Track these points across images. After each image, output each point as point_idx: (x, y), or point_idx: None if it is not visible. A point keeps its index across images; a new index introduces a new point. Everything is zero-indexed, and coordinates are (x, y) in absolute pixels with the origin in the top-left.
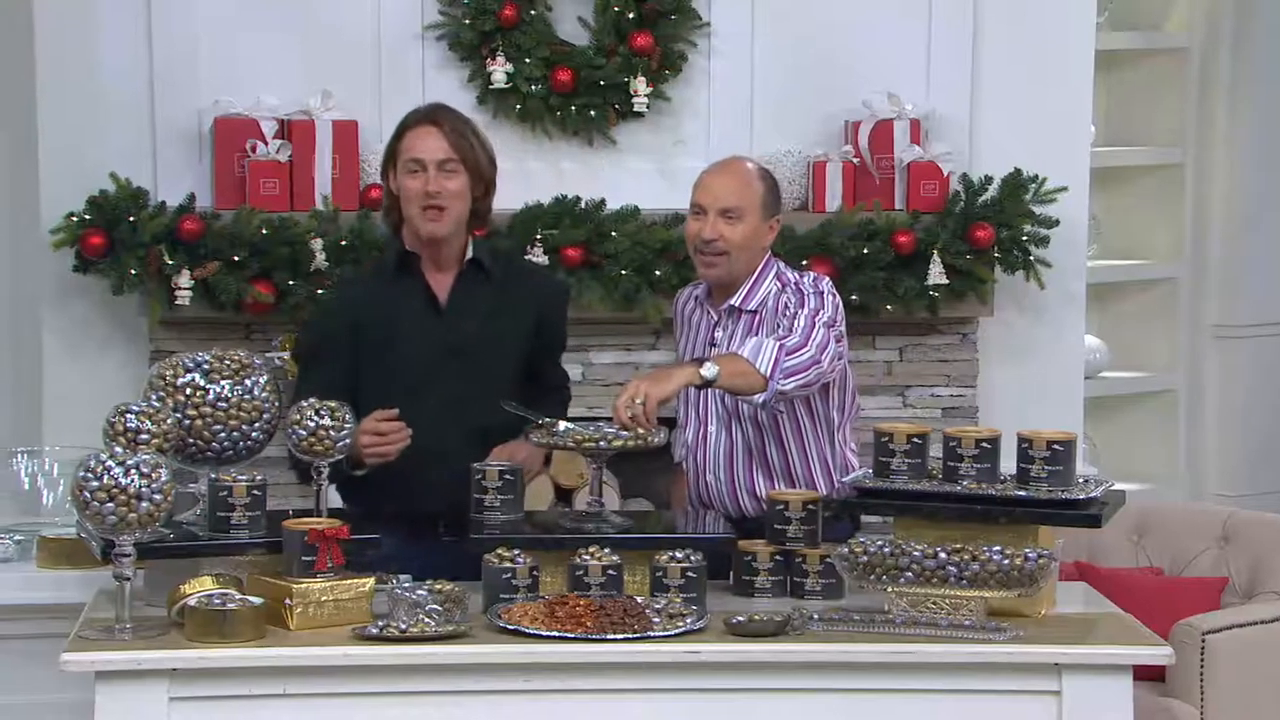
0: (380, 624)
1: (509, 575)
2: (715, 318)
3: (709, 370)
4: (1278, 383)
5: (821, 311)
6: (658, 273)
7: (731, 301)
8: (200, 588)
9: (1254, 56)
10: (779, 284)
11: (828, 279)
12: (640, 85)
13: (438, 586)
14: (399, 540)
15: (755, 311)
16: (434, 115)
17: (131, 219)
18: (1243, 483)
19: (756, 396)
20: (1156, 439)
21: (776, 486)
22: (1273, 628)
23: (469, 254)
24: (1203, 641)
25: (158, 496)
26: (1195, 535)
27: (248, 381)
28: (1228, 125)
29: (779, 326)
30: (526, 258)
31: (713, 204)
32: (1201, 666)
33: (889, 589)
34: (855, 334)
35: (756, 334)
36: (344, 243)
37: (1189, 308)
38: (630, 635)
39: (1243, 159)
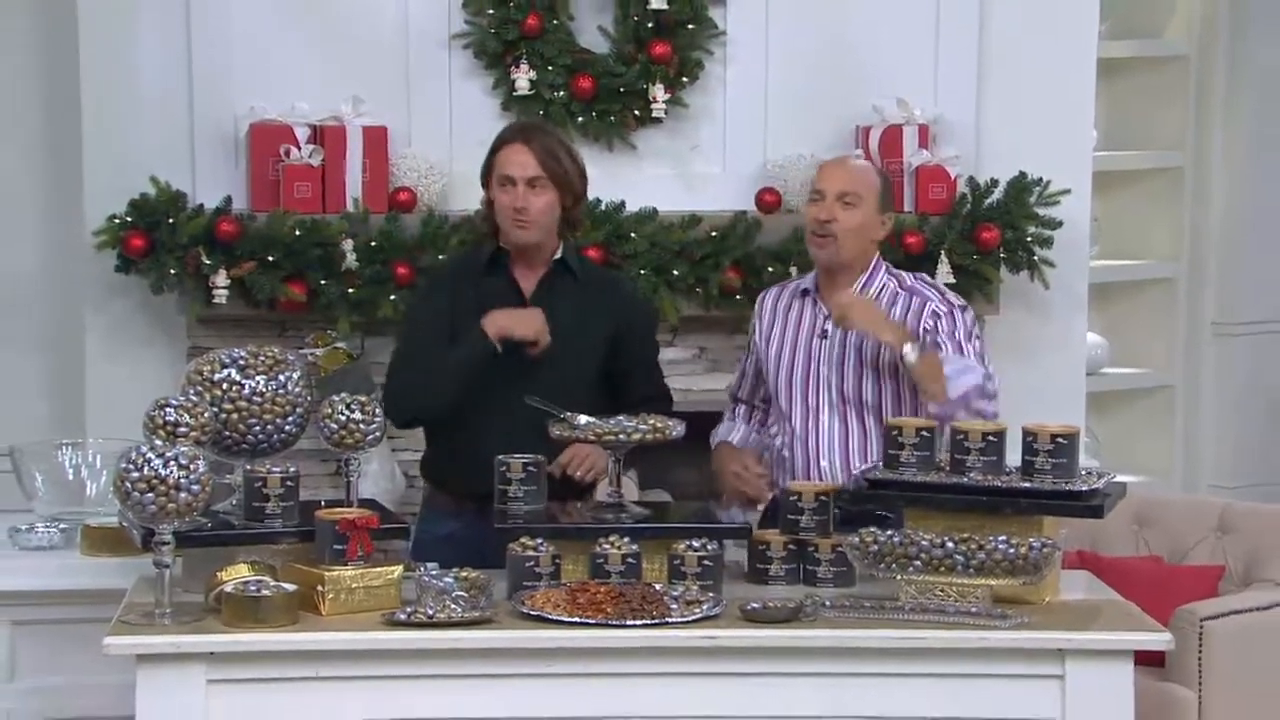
0: (408, 610)
1: (532, 563)
2: (827, 310)
3: (911, 352)
4: (1272, 379)
5: (974, 334)
6: (675, 272)
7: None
8: (236, 575)
9: (1249, 64)
10: (894, 281)
11: (956, 296)
12: (658, 92)
13: (463, 574)
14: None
15: (875, 301)
16: (526, 134)
17: (171, 221)
18: (1238, 475)
19: (931, 406)
20: (1155, 433)
21: None
22: (1269, 614)
23: (558, 254)
24: (1201, 628)
25: (195, 487)
26: (1193, 525)
27: (281, 377)
28: (1224, 130)
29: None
30: (619, 271)
31: (831, 188)
32: (1200, 652)
33: (898, 577)
34: None
35: None
36: (373, 244)
37: (1187, 306)
38: (649, 621)
39: (1239, 163)
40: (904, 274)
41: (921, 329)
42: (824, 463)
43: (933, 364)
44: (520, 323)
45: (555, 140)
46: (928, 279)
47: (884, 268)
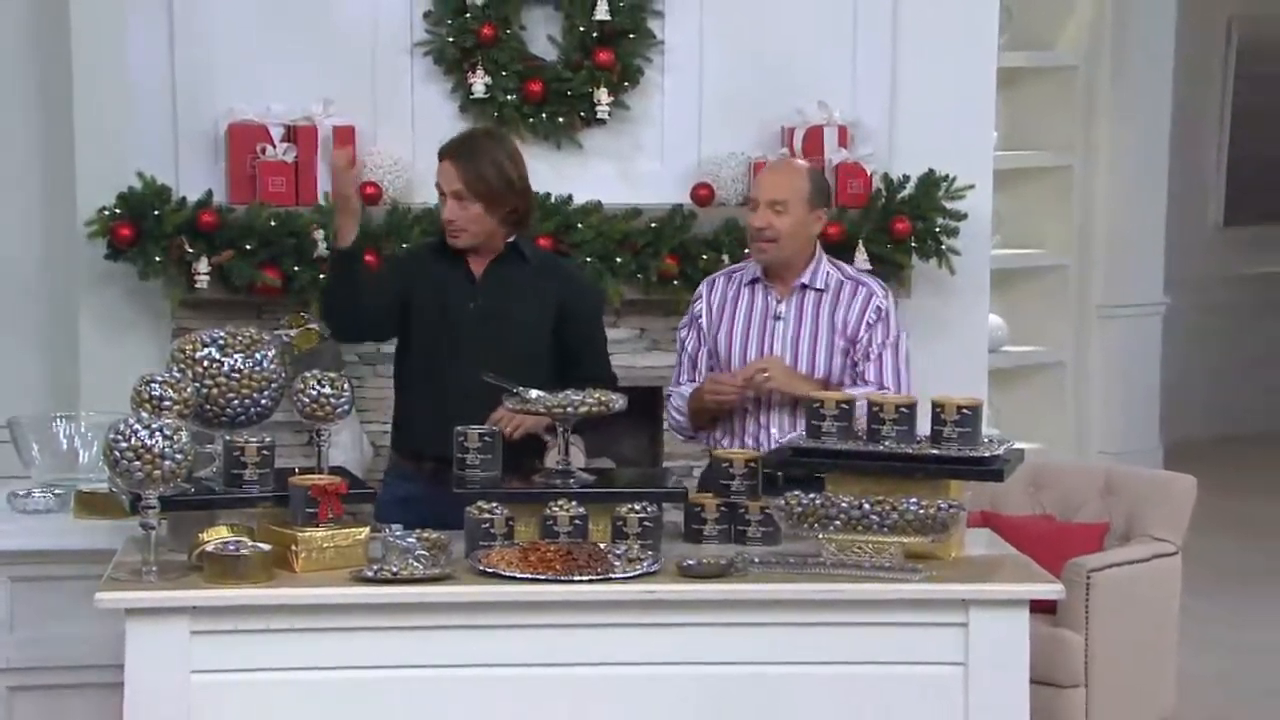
0: (375, 568)
1: (488, 525)
2: (779, 295)
3: None
4: (1152, 356)
5: (900, 341)
6: (618, 260)
7: (801, 280)
8: (217, 536)
9: (1132, 73)
10: (839, 271)
11: (882, 282)
12: (602, 96)
13: (425, 535)
14: (430, 480)
15: (822, 290)
16: (456, 152)
17: (156, 213)
18: (1122, 441)
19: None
20: (1049, 405)
21: None
22: (1147, 565)
23: (510, 240)
24: (1088, 579)
25: (179, 456)
26: (1082, 487)
27: (258, 355)
28: (1110, 133)
29: (863, 330)
30: (569, 259)
31: (762, 196)
32: (1087, 600)
33: (820, 536)
34: None
35: (825, 311)
36: None
37: (1077, 291)
38: (594, 577)
39: (1123, 162)
40: (843, 264)
41: (865, 323)
42: (774, 429)
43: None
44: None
45: (486, 158)
46: (876, 280)
47: (825, 257)
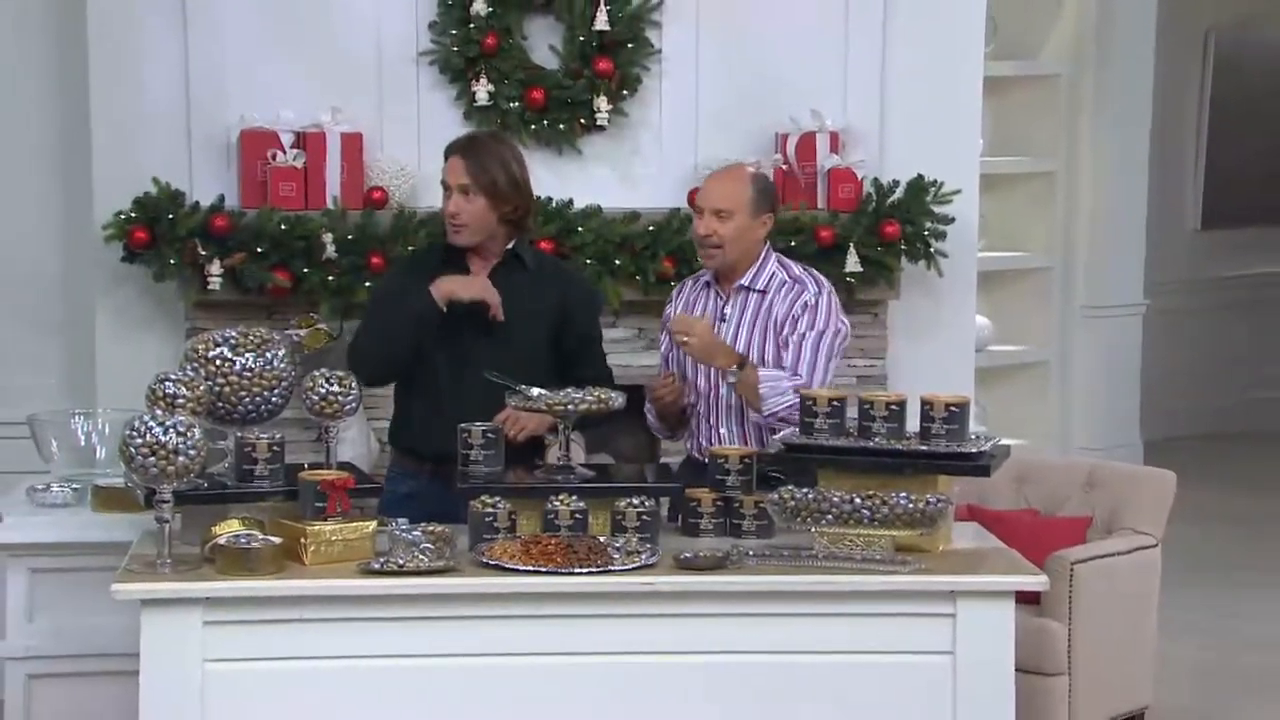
0: (381, 560)
1: (491, 519)
2: (725, 297)
3: (733, 375)
4: (1133, 355)
5: (825, 334)
6: (617, 262)
7: (741, 281)
8: (229, 529)
9: (1113, 82)
10: (784, 271)
11: (828, 283)
12: (602, 103)
13: (430, 528)
14: (431, 478)
15: (763, 291)
16: (463, 148)
17: (171, 217)
18: (1103, 438)
19: (753, 415)
20: (1034, 402)
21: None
22: (1128, 557)
23: (509, 247)
24: (1071, 570)
25: (192, 452)
26: (1065, 482)
27: (269, 354)
28: (1092, 139)
29: (788, 322)
30: (568, 261)
31: (707, 205)
32: (1070, 591)
33: (813, 529)
34: None
35: (765, 311)
36: (350, 237)
37: (1060, 292)
38: (594, 569)
39: (1105, 168)
40: (793, 264)
41: (791, 316)
42: (723, 430)
43: (750, 386)
44: (465, 286)
45: (492, 156)
46: (814, 272)
47: (773, 259)
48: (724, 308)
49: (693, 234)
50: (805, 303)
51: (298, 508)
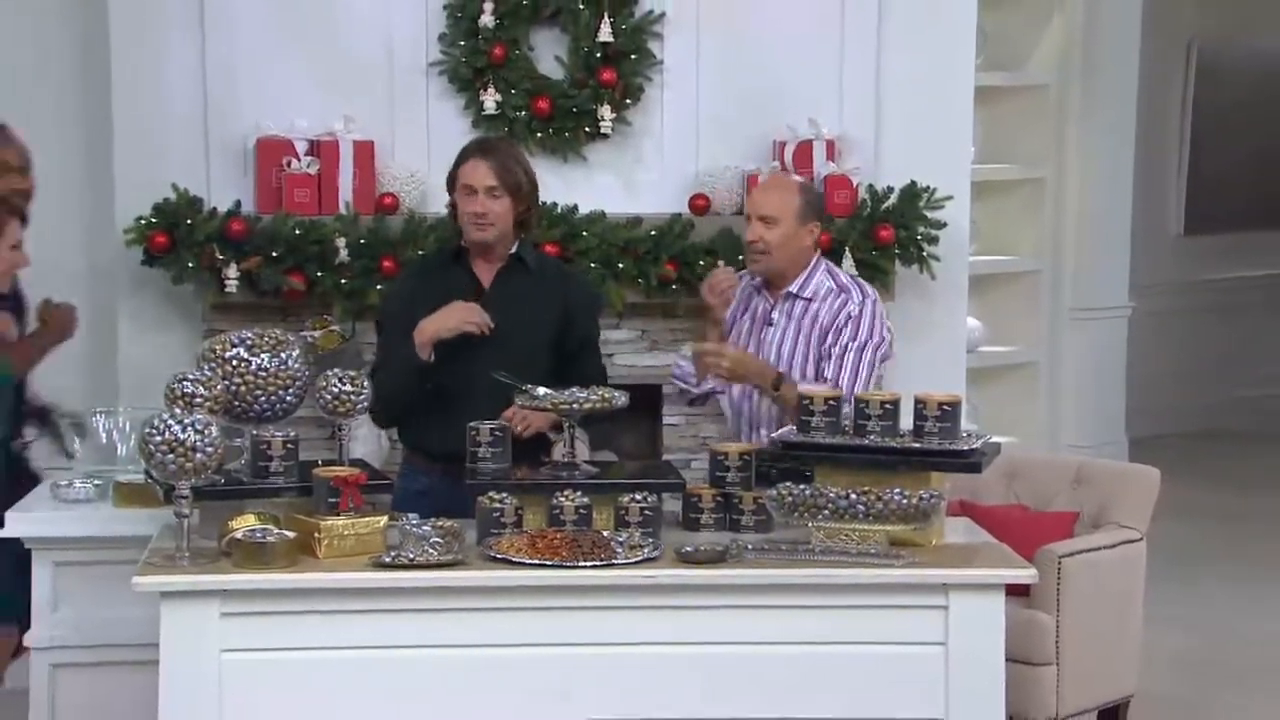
0: (392, 554)
1: (498, 514)
2: (773, 302)
3: (771, 393)
4: (1118, 356)
5: (865, 348)
6: (620, 265)
7: (790, 289)
8: (245, 523)
9: (1100, 92)
10: (831, 280)
11: (873, 292)
12: (606, 112)
13: (439, 523)
14: (442, 475)
15: (810, 299)
16: (484, 150)
17: (189, 222)
18: (1091, 436)
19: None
20: (1023, 401)
21: None
22: (1114, 551)
23: (513, 250)
24: (1059, 564)
25: (210, 449)
26: (1054, 479)
27: (283, 355)
28: (1079, 148)
29: (831, 333)
30: (569, 264)
31: (755, 212)
32: (1058, 584)
33: (810, 524)
34: None
35: (809, 318)
36: (363, 241)
37: (1049, 295)
38: (598, 563)
39: (1092, 175)
40: (841, 273)
41: (835, 326)
42: (763, 431)
43: (790, 401)
44: (443, 323)
45: (509, 155)
46: (860, 281)
47: (823, 268)
48: (771, 312)
49: (743, 239)
50: (849, 314)
51: (311, 503)
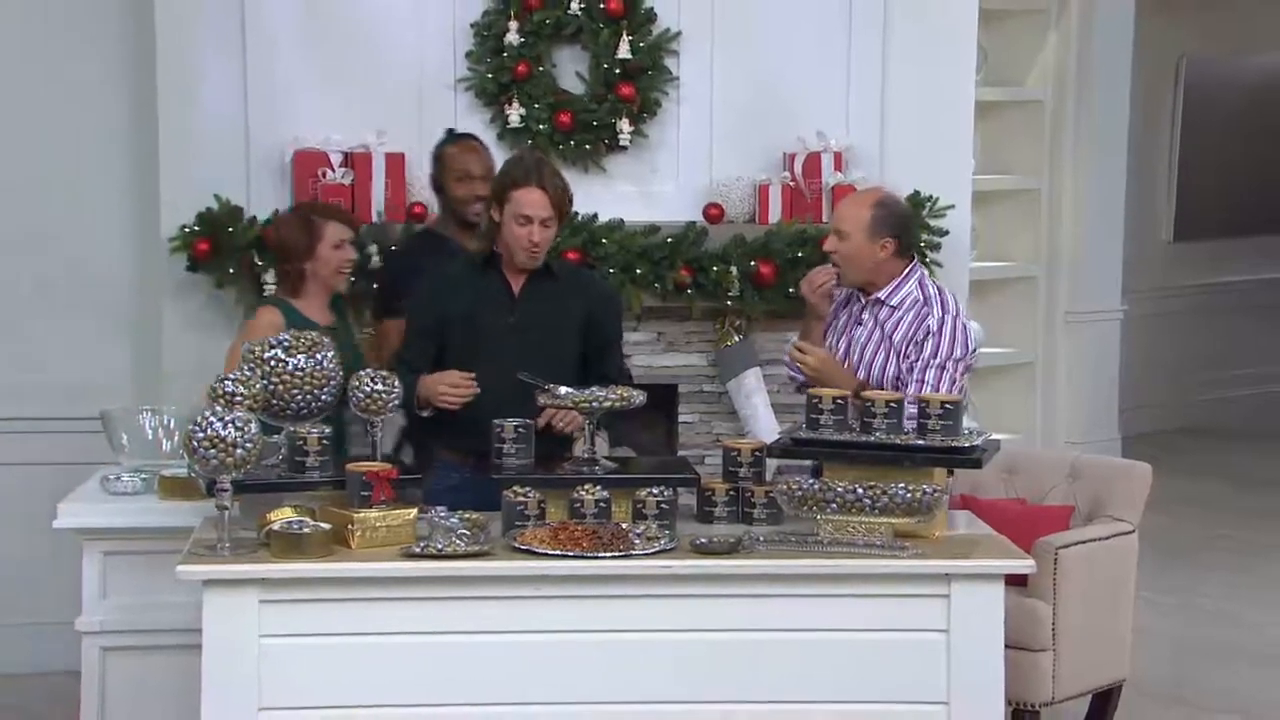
0: (422, 545)
1: (522, 507)
2: (863, 303)
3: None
4: (1111, 357)
5: (947, 365)
6: (638, 271)
7: (878, 295)
8: (282, 516)
9: (1093, 107)
10: (919, 290)
11: (955, 306)
12: (624, 125)
13: (466, 515)
14: (470, 471)
15: (897, 306)
16: (541, 177)
17: (230, 230)
18: (1085, 433)
19: None
20: (1021, 400)
21: None
22: (1108, 543)
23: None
24: (1056, 555)
25: (249, 445)
26: (1050, 474)
27: (319, 356)
28: (1074, 159)
29: (910, 344)
30: (592, 269)
31: (833, 224)
32: (1055, 574)
33: (818, 517)
34: (793, 319)
35: (892, 326)
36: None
37: (1045, 299)
38: (617, 553)
39: (1085, 185)
40: (930, 283)
41: (914, 339)
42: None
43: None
44: (432, 390)
45: (559, 181)
46: (945, 294)
47: (916, 277)
48: (862, 313)
49: None
50: (929, 328)
51: (346, 497)
